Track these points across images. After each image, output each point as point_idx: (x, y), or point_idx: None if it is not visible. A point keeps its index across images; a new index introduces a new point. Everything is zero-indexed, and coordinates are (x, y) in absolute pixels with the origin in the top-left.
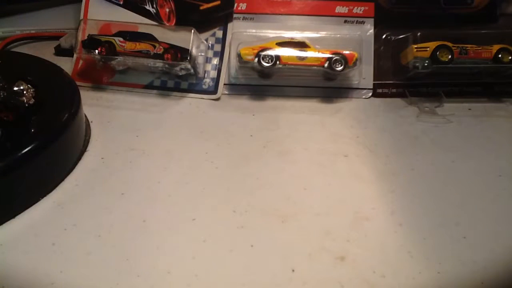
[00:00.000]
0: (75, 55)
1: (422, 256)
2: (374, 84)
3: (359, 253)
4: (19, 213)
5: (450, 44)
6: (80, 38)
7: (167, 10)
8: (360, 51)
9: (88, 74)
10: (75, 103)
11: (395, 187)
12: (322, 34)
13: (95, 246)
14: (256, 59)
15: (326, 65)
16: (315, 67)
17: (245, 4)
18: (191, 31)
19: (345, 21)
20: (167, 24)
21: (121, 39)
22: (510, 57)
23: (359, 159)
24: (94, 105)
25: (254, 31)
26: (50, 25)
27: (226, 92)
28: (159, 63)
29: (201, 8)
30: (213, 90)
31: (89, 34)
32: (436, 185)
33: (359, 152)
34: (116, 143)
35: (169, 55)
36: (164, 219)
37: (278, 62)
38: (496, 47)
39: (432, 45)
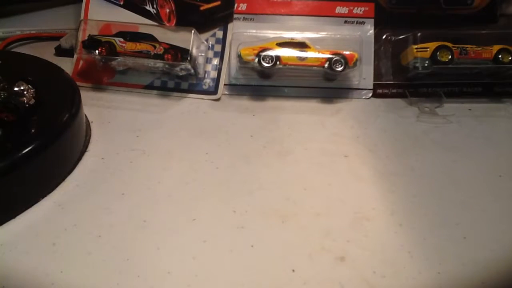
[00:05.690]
0: (75, 56)
1: (422, 256)
2: (374, 84)
3: (359, 253)
4: (19, 213)
5: (450, 45)
6: (80, 39)
7: (168, 10)
8: (360, 51)
9: (88, 74)
10: (75, 104)
11: (395, 187)
12: (322, 34)
13: (95, 246)
14: (257, 59)
15: (326, 65)
16: (315, 68)
17: (245, 4)
18: (192, 32)
19: (345, 22)
20: (168, 25)
21: (121, 39)
22: (510, 58)
23: (359, 159)
24: (94, 105)
25: (254, 31)
26: (50, 25)
27: (226, 93)
28: (159, 64)
29: (202, 8)
30: (213, 91)
31: (89, 35)
32: (436, 185)
33: (359, 152)
34: (117, 143)
35: (169, 55)
36: (164, 219)
37: (278, 63)
38: (496, 48)
39: (432, 45)
